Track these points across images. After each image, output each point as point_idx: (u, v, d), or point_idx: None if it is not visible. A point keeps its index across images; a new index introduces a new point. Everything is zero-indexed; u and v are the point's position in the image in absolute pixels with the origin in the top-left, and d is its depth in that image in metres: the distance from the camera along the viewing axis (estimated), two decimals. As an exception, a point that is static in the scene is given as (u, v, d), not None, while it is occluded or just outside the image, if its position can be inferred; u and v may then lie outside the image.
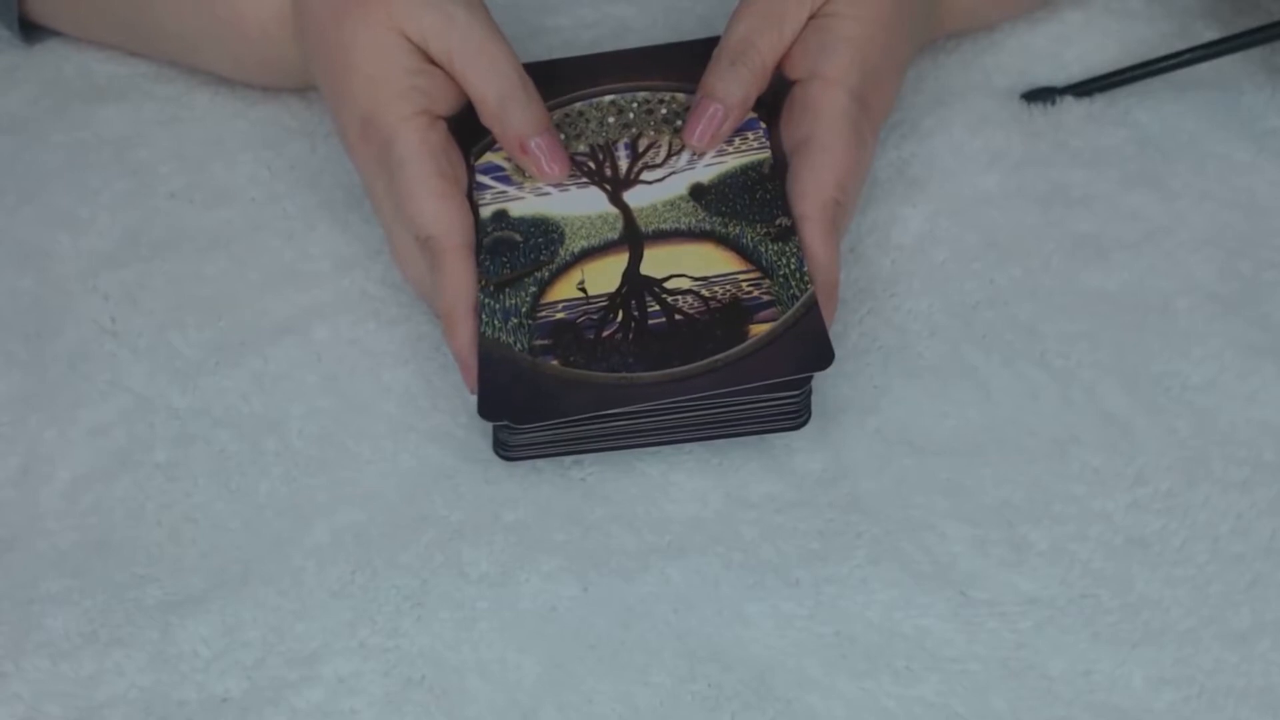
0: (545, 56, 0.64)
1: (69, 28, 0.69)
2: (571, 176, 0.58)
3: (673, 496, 0.53)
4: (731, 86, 0.57)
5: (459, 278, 0.55)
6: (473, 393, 0.53)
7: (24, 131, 0.67)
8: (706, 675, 0.48)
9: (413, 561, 0.51)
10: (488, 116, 0.57)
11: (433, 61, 0.57)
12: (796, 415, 0.52)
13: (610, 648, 0.49)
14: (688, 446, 0.54)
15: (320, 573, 0.51)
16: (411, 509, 0.53)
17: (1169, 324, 0.57)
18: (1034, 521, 0.52)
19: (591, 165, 0.58)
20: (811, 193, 0.55)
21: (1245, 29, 0.62)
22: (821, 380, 0.55)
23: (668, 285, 0.55)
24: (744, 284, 0.54)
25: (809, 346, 0.52)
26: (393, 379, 0.57)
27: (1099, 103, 0.64)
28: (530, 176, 0.58)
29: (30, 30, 0.69)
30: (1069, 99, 0.64)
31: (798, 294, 0.53)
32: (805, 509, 0.52)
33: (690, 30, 0.68)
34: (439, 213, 0.55)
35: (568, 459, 0.54)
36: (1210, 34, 0.66)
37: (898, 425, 0.54)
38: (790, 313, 0.53)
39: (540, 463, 0.53)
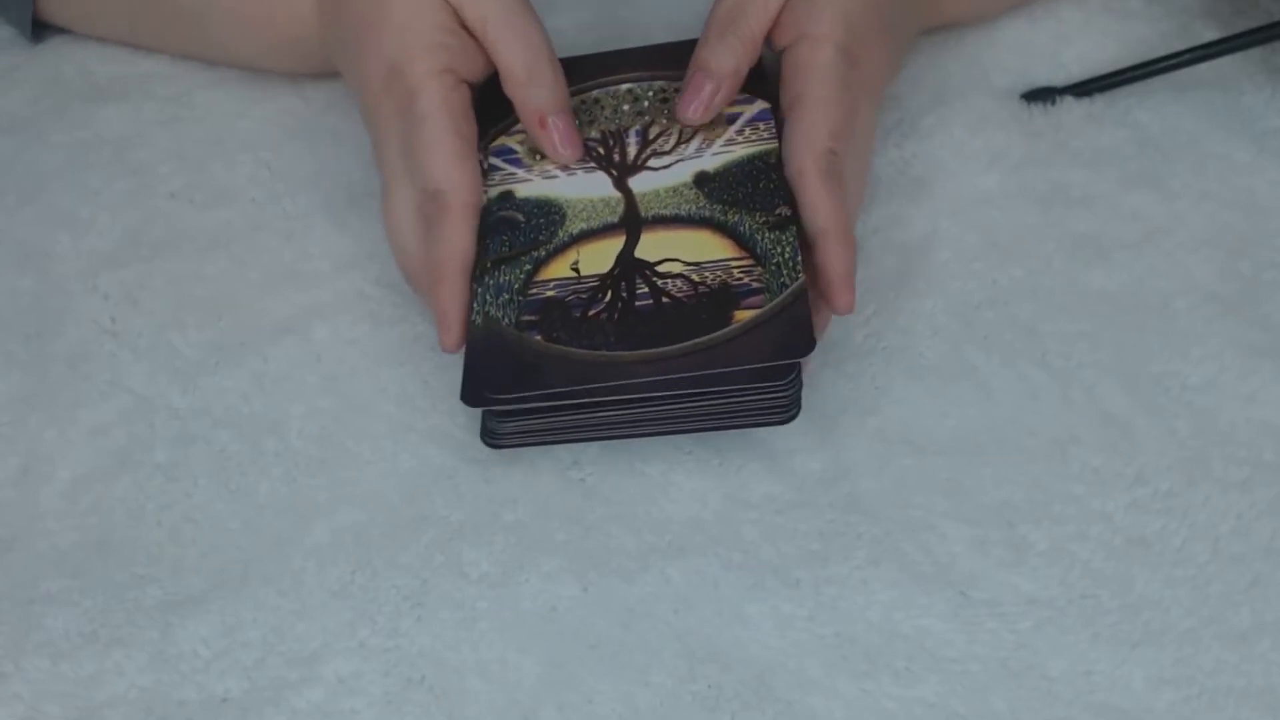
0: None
1: (78, 21, 0.69)
2: (580, 161, 0.58)
3: (673, 497, 0.53)
4: (723, 57, 0.58)
5: (457, 236, 0.55)
6: (447, 350, 0.53)
7: (24, 131, 0.67)
8: (706, 675, 0.48)
9: (413, 561, 0.51)
10: (512, 86, 0.58)
11: (465, 28, 0.57)
12: (786, 409, 0.52)
13: (610, 648, 0.49)
14: (687, 446, 0.54)
15: (320, 573, 0.51)
16: (411, 509, 0.53)
17: (1169, 324, 0.57)
18: (1034, 521, 0.52)
19: (601, 151, 0.59)
20: (805, 145, 0.55)
21: (1245, 29, 0.62)
22: (821, 380, 0.55)
23: (659, 269, 0.54)
24: (735, 270, 0.54)
25: (791, 333, 0.51)
26: (392, 379, 0.57)
27: (1099, 103, 0.64)
28: (541, 159, 0.58)
29: (38, 29, 0.69)
30: (1069, 99, 0.64)
31: (788, 282, 0.53)
32: (805, 509, 0.52)
33: (692, 32, 0.68)
34: (450, 169, 0.55)
35: (567, 458, 0.54)
36: (1210, 34, 0.66)
37: (898, 425, 0.54)
38: (777, 300, 0.53)
39: (540, 462, 0.53)
